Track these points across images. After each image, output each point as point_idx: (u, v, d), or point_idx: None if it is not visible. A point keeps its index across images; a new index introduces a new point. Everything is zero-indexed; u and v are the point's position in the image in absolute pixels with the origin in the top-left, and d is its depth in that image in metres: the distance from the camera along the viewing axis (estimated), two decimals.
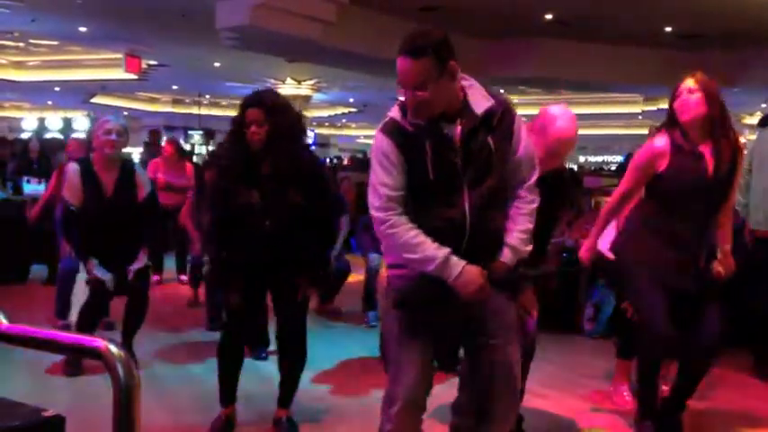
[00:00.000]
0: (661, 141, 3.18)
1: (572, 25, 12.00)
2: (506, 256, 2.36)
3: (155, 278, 7.18)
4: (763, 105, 17.12)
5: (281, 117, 3.16)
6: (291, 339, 3.37)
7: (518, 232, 2.39)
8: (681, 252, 3.18)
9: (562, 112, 3.00)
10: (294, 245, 3.20)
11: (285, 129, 3.16)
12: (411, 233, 2.27)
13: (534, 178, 2.43)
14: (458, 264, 2.25)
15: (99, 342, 1.14)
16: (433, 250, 2.25)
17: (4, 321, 1.26)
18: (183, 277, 7.56)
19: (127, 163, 4.44)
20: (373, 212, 2.33)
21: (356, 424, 3.51)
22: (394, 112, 2.35)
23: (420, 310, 2.38)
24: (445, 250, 2.26)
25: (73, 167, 4.29)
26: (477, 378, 2.49)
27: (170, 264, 7.44)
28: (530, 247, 2.43)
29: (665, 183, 3.17)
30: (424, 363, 2.41)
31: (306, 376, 3.55)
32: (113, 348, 1.13)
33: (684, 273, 3.18)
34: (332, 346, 4.97)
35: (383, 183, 2.31)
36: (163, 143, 8.61)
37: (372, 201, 2.33)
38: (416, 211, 2.31)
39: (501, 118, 2.32)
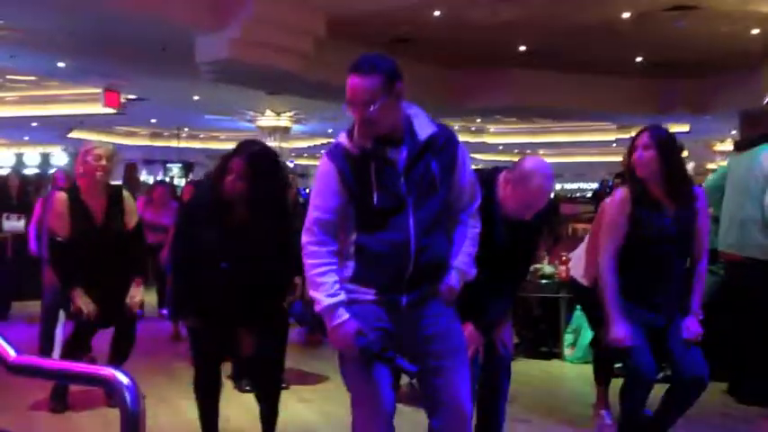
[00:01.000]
0: (622, 193, 3.32)
1: (545, 55, 12.26)
2: (453, 278, 2.45)
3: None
4: (733, 132, 17.50)
5: (266, 178, 3.14)
6: (264, 369, 3.37)
7: (463, 255, 2.47)
8: (651, 304, 3.28)
9: (539, 166, 2.95)
10: (254, 294, 3.19)
11: (265, 188, 3.15)
12: (317, 269, 2.34)
13: (476, 206, 2.53)
14: (341, 317, 2.31)
15: (107, 370, 1.20)
16: (326, 295, 2.32)
17: (12, 353, 1.31)
18: (164, 312, 7.56)
19: (115, 189, 4.27)
20: (302, 235, 2.40)
21: None
22: (341, 138, 2.42)
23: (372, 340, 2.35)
24: (336, 299, 2.32)
25: (60, 196, 4.10)
26: (431, 400, 2.49)
27: (149, 298, 7.43)
28: (474, 272, 2.50)
29: (629, 233, 3.28)
30: (388, 384, 2.40)
31: (293, 401, 3.55)
32: (121, 376, 1.19)
33: (658, 315, 3.29)
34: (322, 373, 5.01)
35: (314, 205, 2.39)
36: (143, 178, 8.65)
37: (305, 223, 2.40)
38: (363, 235, 2.37)
39: (445, 145, 2.41)
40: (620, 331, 3.19)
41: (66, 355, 4.12)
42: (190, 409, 4.12)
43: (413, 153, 2.37)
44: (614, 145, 21.14)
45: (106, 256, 4.04)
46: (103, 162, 4.07)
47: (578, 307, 5.67)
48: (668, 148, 3.24)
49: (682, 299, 3.32)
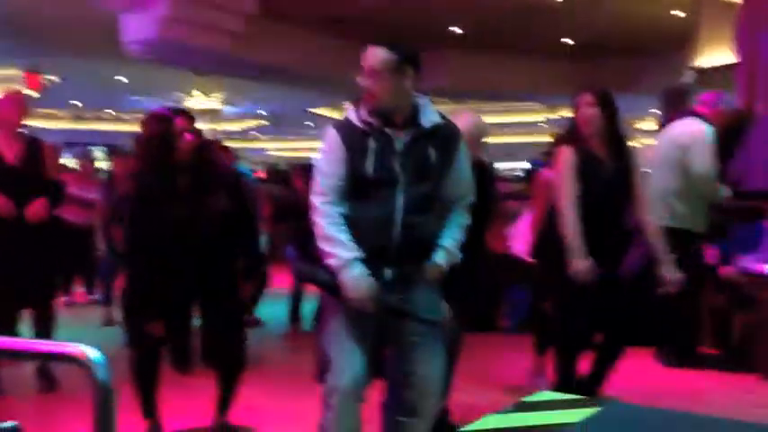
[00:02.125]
0: (567, 151, 3.48)
1: (477, 37, 12.42)
2: (440, 256, 2.53)
3: (65, 298, 6.99)
4: (653, 111, 18.13)
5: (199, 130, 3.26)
6: (227, 348, 3.38)
7: (452, 240, 2.57)
8: (595, 250, 3.40)
9: (469, 123, 3.21)
10: (221, 252, 3.23)
11: (206, 139, 3.25)
12: (332, 228, 2.44)
13: (469, 200, 2.63)
14: (356, 269, 2.41)
15: (75, 348, 1.18)
16: (343, 250, 2.42)
17: None
18: (94, 296, 7.38)
19: (34, 138, 4.22)
20: (312, 198, 2.51)
21: (293, 427, 3.56)
22: (348, 113, 2.55)
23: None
24: (353, 254, 2.41)
25: None
26: (403, 374, 2.58)
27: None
28: (459, 256, 2.60)
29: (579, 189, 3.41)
30: (363, 355, 2.51)
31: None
32: (91, 353, 1.18)
33: (602, 263, 3.40)
34: (257, 355, 4.99)
35: (322, 171, 2.51)
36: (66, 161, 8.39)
37: (313, 187, 2.52)
38: (352, 206, 2.47)
39: (448, 138, 2.53)
40: (581, 264, 3.31)
41: None
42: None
43: (414, 137, 2.47)
44: (542, 125, 21.60)
45: (22, 202, 3.92)
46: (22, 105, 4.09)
47: (516, 282, 5.83)
48: (610, 106, 3.43)
49: (622, 252, 3.48)
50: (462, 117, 3.21)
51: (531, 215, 4.26)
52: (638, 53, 13.23)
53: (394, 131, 2.47)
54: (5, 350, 1.24)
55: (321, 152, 2.54)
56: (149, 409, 3.36)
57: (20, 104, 4.16)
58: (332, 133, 2.52)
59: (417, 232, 2.47)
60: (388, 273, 2.47)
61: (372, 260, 2.44)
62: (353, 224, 2.45)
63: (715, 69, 9.50)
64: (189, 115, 3.24)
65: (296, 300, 5.91)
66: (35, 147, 4.13)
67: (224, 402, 3.42)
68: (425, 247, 2.52)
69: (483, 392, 4.16)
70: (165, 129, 3.19)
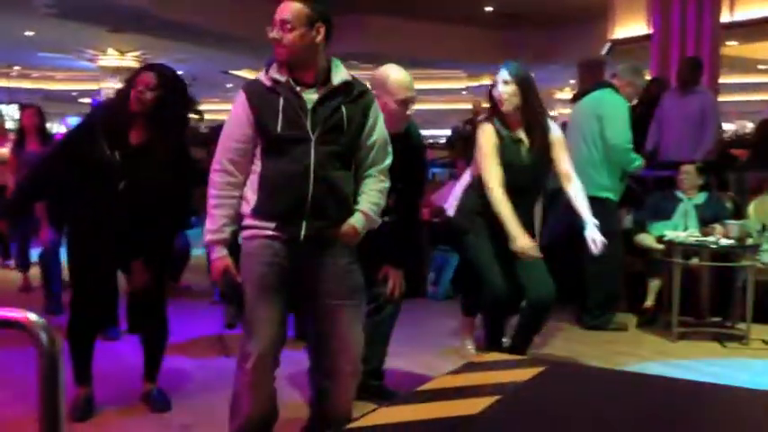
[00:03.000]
0: (487, 127, 3.55)
1: (398, 2, 12.37)
2: (357, 219, 2.51)
3: None
4: (572, 81, 18.62)
5: (174, 94, 3.12)
6: (153, 314, 3.35)
7: (370, 203, 2.54)
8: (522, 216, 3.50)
9: (391, 67, 3.22)
10: (148, 219, 3.15)
11: (173, 105, 3.11)
12: (213, 200, 2.48)
13: (387, 163, 2.61)
14: (220, 251, 2.49)
15: (20, 313, 1.15)
16: (211, 229, 2.48)
17: None
18: (8, 262, 7.10)
19: None
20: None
21: (218, 388, 3.55)
22: (259, 74, 2.51)
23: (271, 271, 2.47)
24: (218, 236, 2.48)
25: None
26: (322, 338, 2.58)
27: None
28: (380, 221, 2.60)
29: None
30: (278, 319, 2.50)
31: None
32: (34, 318, 1.15)
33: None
34: (183, 322, 4.92)
35: (225, 133, 2.51)
36: None
37: (216, 148, 2.52)
38: (265, 165, 2.45)
39: (358, 96, 2.51)
40: (525, 241, 3.38)
41: None
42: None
43: (324, 93, 2.45)
44: (464, 93, 21.82)
45: None
46: None
47: (439, 246, 5.93)
48: (527, 82, 3.50)
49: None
50: (380, 69, 3.22)
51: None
52: (558, 24, 13.50)
53: (303, 89, 2.45)
54: None
55: (229, 114, 2.54)
56: (84, 375, 3.29)
57: None
58: (239, 94, 2.51)
59: (333, 186, 2.44)
60: (302, 231, 2.42)
61: (287, 221, 2.42)
62: (270, 181, 2.43)
63: (630, 41, 9.80)
64: (162, 73, 3.12)
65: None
66: None
67: (153, 368, 3.39)
68: (341, 204, 2.49)
69: (415, 356, 4.25)
70: (129, 79, 3.15)
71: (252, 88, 2.49)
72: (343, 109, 2.45)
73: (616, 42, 10.17)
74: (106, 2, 9.80)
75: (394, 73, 3.16)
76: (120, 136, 3.10)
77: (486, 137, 3.54)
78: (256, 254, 2.45)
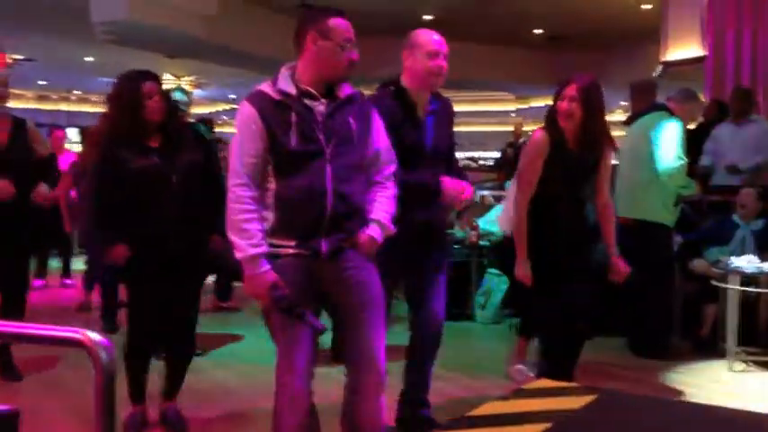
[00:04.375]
0: (540, 135, 3.45)
1: (449, 25, 12.41)
2: (374, 230, 2.50)
3: (38, 282, 6.89)
4: (622, 103, 18.36)
5: (169, 99, 3.35)
6: (184, 332, 3.39)
7: (383, 212, 2.53)
8: (568, 236, 3.43)
9: (420, 30, 3.25)
10: (199, 205, 3.21)
11: (173, 103, 3.38)
12: (243, 215, 2.37)
13: (392, 170, 2.61)
14: (261, 267, 2.37)
15: (78, 332, 1.18)
16: (249, 244, 2.36)
17: None
18: (68, 281, 7.28)
19: (18, 118, 4.12)
20: (228, 176, 2.44)
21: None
22: (262, 86, 2.48)
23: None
24: (259, 250, 2.37)
25: None
26: (347, 351, 2.55)
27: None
28: (393, 229, 2.57)
29: (543, 175, 3.42)
30: (310, 334, 2.45)
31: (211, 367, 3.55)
32: (93, 336, 1.18)
33: (571, 254, 3.44)
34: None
35: (238, 149, 2.41)
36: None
37: (230, 164, 2.44)
38: (281, 182, 2.41)
39: (362, 105, 2.53)
40: (520, 272, 3.37)
41: None
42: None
43: (332, 105, 2.45)
44: (513, 115, 21.71)
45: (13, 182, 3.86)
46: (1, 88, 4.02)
47: (489, 270, 5.89)
48: (592, 102, 3.38)
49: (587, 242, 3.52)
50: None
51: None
52: (608, 46, 13.38)
53: (313, 102, 2.44)
54: (7, 333, 1.23)
55: (237, 129, 2.45)
56: (138, 394, 3.35)
57: (3, 84, 4.07)
58: (246, 107, 2.43)
59: (349, 200, 2.44)
60: (323, 246, 2.41)
61: (307, 238, 2.41)
62: (287, 199, 2.40)
63: (683, 62, 9.63)
64: (157, 79, 3.24)
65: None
66: (21, 126, 4.04)
67: (174, 388, 3.42)
68: (358, 216, 2.48)
69: (461, 380, 4.21)
70: (135, 88, 3.17)
71: (261, 103, 2.42)
72: (351, 119, 2.47)
73: (668, 64, 10.01)
74: (163, 30, 10.06)
75: (421, 30, 3.21)
76: (142, 144, 3.20)
77: (535, 140, 3.47)
78: (279, 273, 2.40)
